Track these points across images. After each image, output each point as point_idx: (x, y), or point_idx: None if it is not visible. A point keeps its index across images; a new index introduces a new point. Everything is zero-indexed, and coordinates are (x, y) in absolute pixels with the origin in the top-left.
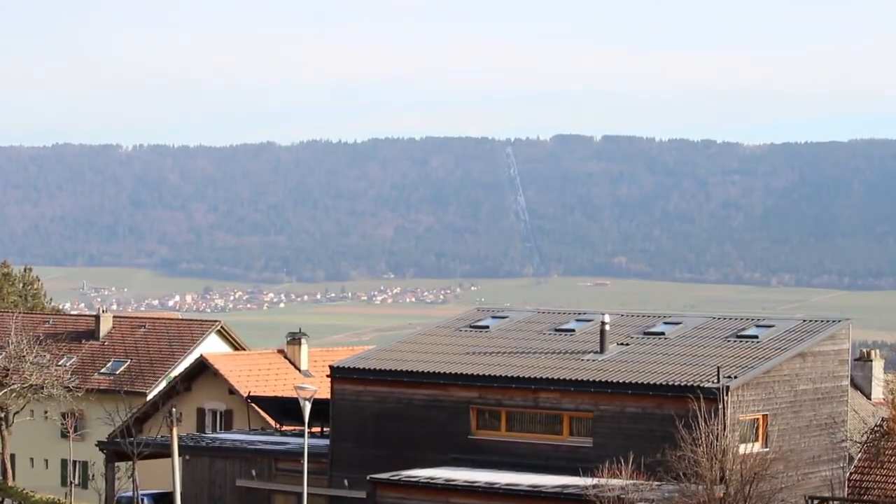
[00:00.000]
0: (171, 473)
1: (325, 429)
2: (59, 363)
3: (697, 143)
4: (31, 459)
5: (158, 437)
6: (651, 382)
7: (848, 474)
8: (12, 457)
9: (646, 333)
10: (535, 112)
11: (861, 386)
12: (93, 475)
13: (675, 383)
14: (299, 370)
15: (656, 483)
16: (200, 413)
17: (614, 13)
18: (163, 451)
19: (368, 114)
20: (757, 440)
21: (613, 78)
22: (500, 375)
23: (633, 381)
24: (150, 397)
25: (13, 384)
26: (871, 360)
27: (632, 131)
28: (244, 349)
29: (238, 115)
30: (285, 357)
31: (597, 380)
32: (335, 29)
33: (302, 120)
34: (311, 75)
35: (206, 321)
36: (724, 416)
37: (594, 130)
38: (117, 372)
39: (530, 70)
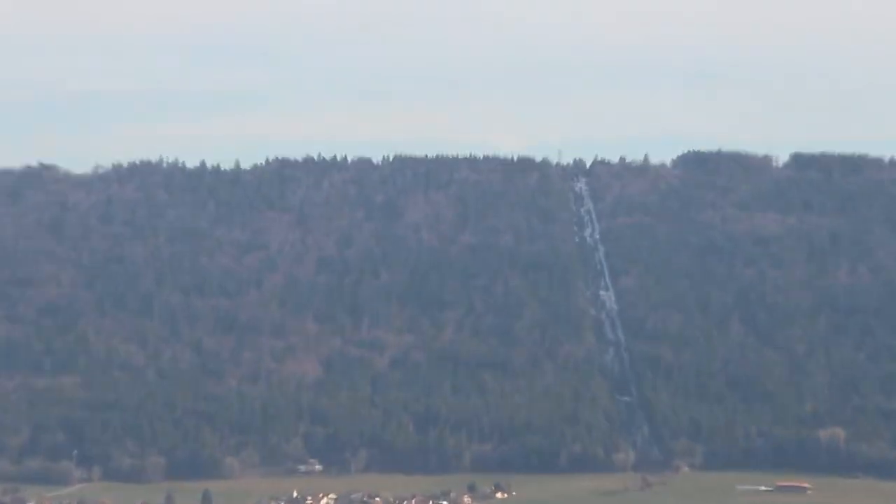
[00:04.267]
0: None
1: None
2: None
3: None
4: None
5: None
6: None
7: None
8: None
9: None
10: (638, 103)
11: None
12: None
13: None
14: None
15: None
16: None
17: None
18: None
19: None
20: None
21: (811, 36)
22: None
23: None
24: None
25: None
26: None
27: (851, 143)
28: None
29: None
30: None
31: None
32: None
33: None
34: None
35: None
36: None
37: (769, 144)
38: None
39: (623, 14)
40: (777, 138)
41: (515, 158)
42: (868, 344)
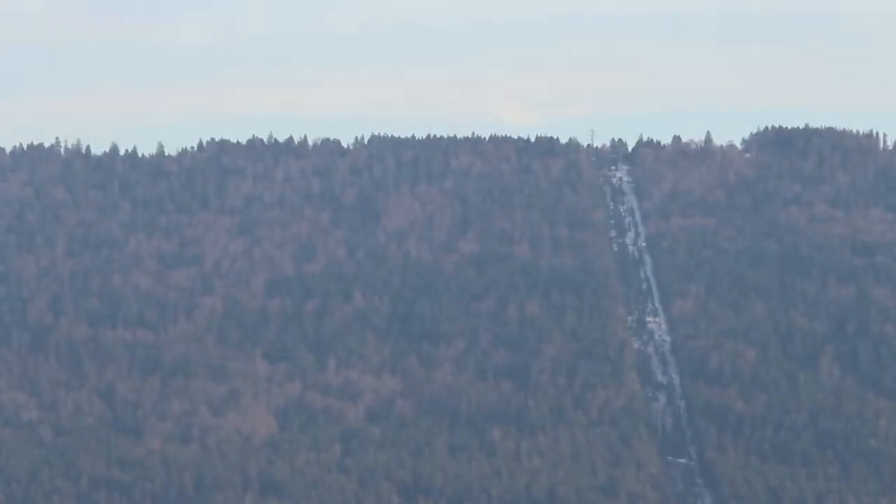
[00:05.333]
0: None
1: None
2: None
3: None
4: None
5: None
6: None
7: None
8: None
9: None
10: (696, 65)
11: None
12: None
13: None
14: None
15: None
16: None
17: None
18: None
19: None
20: None
21: None
22: None
23: None
24: None
25: None
26: None
27: None
28: None
29: None
30: None
31: None
32: None
33: None
34: None
35: None
36: None
37: (874, 118)
38: None
39: None
40: (886, 110)
41: (532, 139)
42: None
